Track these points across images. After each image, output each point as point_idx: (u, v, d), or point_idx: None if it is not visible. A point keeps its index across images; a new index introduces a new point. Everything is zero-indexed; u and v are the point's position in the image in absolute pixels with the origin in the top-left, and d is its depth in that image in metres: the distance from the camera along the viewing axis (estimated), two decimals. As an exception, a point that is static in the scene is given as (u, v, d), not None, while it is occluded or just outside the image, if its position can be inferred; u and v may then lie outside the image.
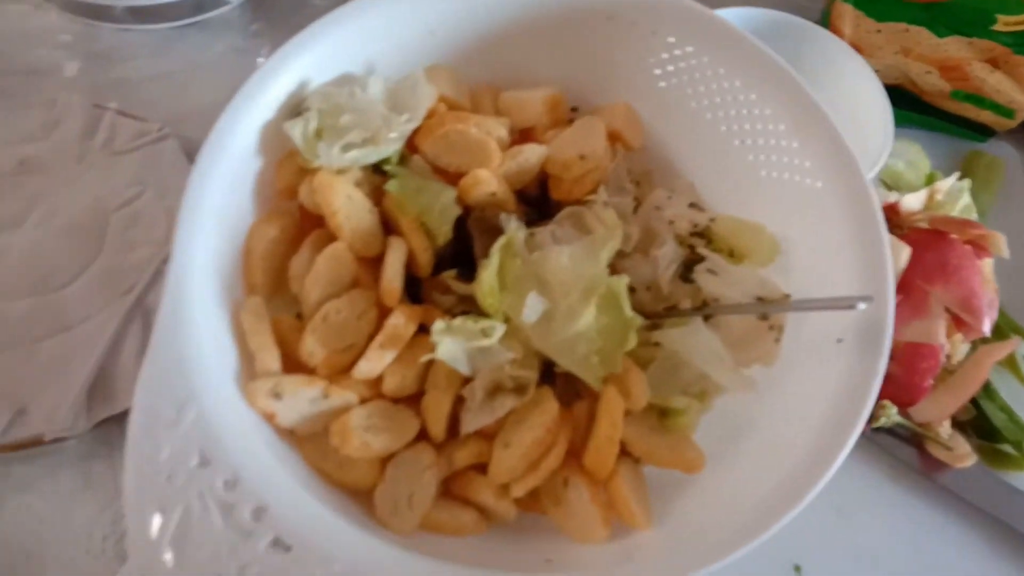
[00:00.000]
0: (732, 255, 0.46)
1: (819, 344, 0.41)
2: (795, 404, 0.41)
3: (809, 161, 0.44)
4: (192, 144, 0.57)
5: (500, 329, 0.40)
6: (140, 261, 0.51)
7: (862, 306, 0.36)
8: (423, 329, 0.42)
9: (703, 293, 0.45)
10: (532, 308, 0.40)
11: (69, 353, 0.48)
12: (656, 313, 0.44)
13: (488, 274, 0.41)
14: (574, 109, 0.52)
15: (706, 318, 0.44)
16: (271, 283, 0.43)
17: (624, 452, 0.42)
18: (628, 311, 0.41)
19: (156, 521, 0.33)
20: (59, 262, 0.50)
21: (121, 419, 0.48)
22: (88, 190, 0.53)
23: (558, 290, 0.41)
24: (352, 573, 0.33)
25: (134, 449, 0.34)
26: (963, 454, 0.52)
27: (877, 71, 0.59)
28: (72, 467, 0.48)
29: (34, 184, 0.53)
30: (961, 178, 0.60)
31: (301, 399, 0.39)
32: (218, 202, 0.40)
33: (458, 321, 0.39)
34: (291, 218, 0.45)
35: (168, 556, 0.32)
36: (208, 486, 0.34)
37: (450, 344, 0.40)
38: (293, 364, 0.41)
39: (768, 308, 0.41)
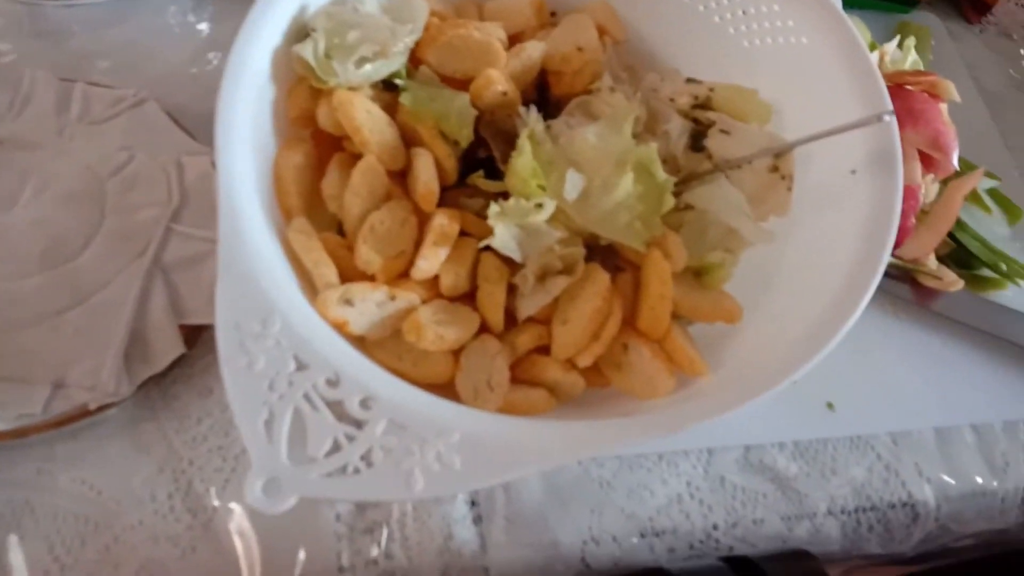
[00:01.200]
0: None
1: (833, 184, 0.45)
2: (821, 243, 0.44)
3: (792, 20, 0.47)
4: (170, 105, 0.56)
5: (551, 204, 0.41)
6: (147, 221, 0.50)
7: (887, 118, 0.40)
8: (461, 233, 0.43)
9: (715, 157, 0.47)
10: (572, 184, 0.42)
11: (95, 320, 0.47)
12: (683, 177, 0.46)
13: (524, 159, 0.42)
14: (552, 13, 0.54)
15: (725, 175, 0.46)
16: (304, 206, 0.44)
17: (671, 313, 0.44)
18: (661, 174, 0.43)
19: (270, 427, 0.33)
20: (63, 233, 0.49)
21: (159, 380, 0.48)
22: (77, 160, 0.51)
23: (590, 167, 0.43)
24: (470, 439, 0.34)
25: (230, 364, 0.34)
26: (952, 280, 0.57)
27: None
28: (119, 435, 0.47)
29: (19, 161, 0.51)
30: (899, 44, 0.65)
31: (369, 303, 0.40)
32: (246, 129, 0.40)
33: (511, 202, 0.41)
34: (310, 144, 0.45)
35: (291, 456, 0.33)
36: (312, 386, 0.34)
37: (503, 230, 0.41)
38: (345, 278, 0.41)
39: (790, 145, 0.44)
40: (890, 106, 0.42)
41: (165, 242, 0.50)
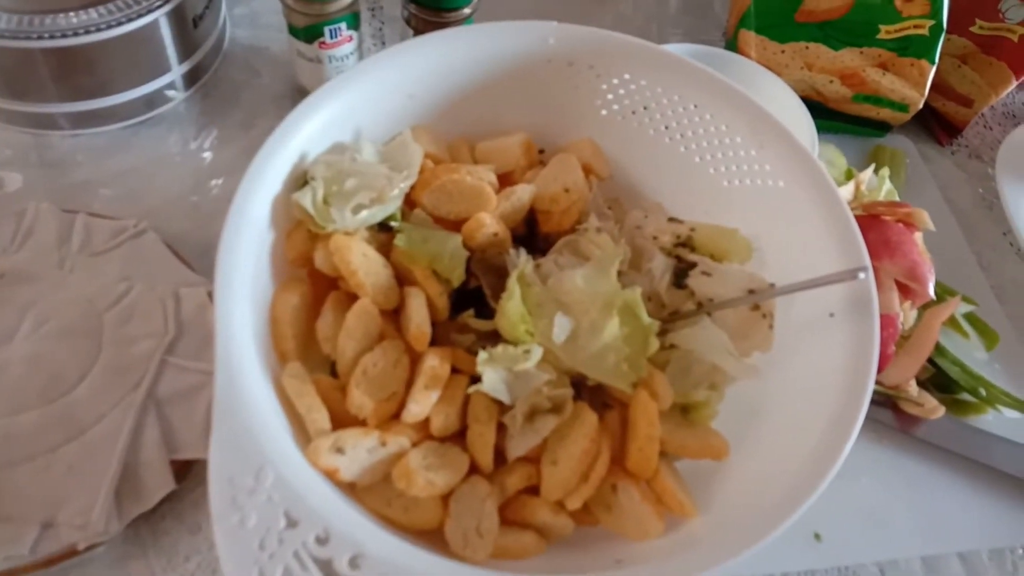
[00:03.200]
0: (713, 259, 0.51)
1: (813, 323, 0.46)
2: (805, 381, 0.45)
3: (769, 164, 0.50)
4: (169, 235, 0.58)
5: (538, 350, 0.42)
6: (142, 354, 0.51)
7: (862, 275, 0.42)
8: (453, 370, 0.44)
9: (697, 295, 0.49)
10: (561, 328, 0.43)
11: (88, 457, 0.47)
12: (665, 318, 0.48)
13: (513, 303, 0.44)
14: (541, 151, 0.56)
15: (708, 315, 0.48)
16: (299, 347, 0.45)
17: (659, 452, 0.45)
18: (646, 317, 0.44)
19: (260, 586, 0.33)
20: (60, 368, 0.50)
21: (149, 517, 0.48)
22: (76, 293, 0.53)
23: (578, 309, 0.44)
24: (458, 597, 0.35)
25: (222, 522, 0.34)
26: (933, 407, 0.58)
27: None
28: (108, 573, 0.47)
29: (19, 295, 0.52)
30: (875, 171, 0.67)
31: (360, 450, 0.40)
32: (247, 275, 0.42)
33: (499, 349, 0.42)
34: (306, 284, 0.46)
35: (279, 618, 0.33)
36: (302, 544, 0.35)
37: (491, 374, 0.42)
38: (336, 421, 0.42)
39: (771, 293, 0.46)
40: (865, 260, 0.44)
41: (160, 375, 0.51)
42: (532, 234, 0.54)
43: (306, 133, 0.46)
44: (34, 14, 0.58)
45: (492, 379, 0.42)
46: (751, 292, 0.48)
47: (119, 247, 0.56)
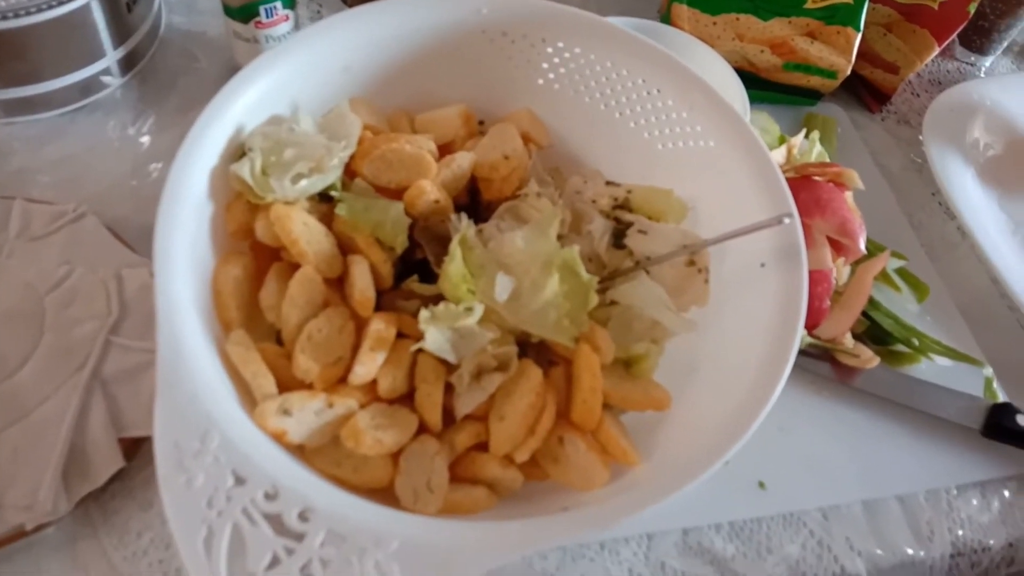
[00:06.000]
0: (650, 219, 0.52)
1: (746, 275, 0.48)
2: (740, 330, 0.47)
3: (699, 125, 0.51)
4: (111, 218, 0.57)
5: (479, 307, 0.43)
6: (86, 336, 0.51)
7: (787, 220, 0.43)
8: (398, 335, 0.45)
9: (635, 254, 0.50)
10: (502, 287, 0.44)
11: (34, 438, 0.47)
12: (604, 276, 0.49)
13: (455, 265, 0.44)
14: (481, 122, 0.57)
15: (645, 272, 0.49)
16: (243, 318, 0.45)
17: (603, 404, 0.46)
18: (584, 274, 0.45)
19: (210, 544, 0.34)
20: (1, 352, 0.49)
21: (99, 496, 0.48)
22: (15, 277, 0.52)
23: (519, 269, 0.46)
24: (409, 545, 0.35)
25: (168, 483, 0.35)
26: (869, 358, 0.61)
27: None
28: (57, 554, 0.46)
29: (-43, 282, 0.51)
30: (806, 136, 0.70)
31: (308, 412, 0.41)
32: (185, 247, 0.42)
33: (440, 307, 0.43)
34: (248, 256, 0.47)
35: (231, 572, 0.33)
36: (250, 500, 0.35)
37: (435, 333, 0.43)
38: (283, 387, 0.43)
39: (703, 244, 0.47)
40: (791, 207, 0.45)
41: (104, 355, 0.50)
42: (475, 202, 0.55)
43: (241, 105, 0.46)
44: (-40, -1, 0.57)
45: (436, 338, 0.43)
46: (686, 247, 0.49)
47: (59, 232, 0.55)
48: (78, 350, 0.50)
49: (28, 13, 0.57)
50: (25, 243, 0.54)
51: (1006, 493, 0.59)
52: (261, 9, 0.63)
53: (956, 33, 0.78)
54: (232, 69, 0.69)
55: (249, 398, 0.41)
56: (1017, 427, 0.59)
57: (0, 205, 0.55)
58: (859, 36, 0.73)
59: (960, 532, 0.57)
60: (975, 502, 0.59)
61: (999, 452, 0.60)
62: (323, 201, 0.48)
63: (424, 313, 0.42)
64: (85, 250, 0.55)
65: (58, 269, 0.53)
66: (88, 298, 0.52)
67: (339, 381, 0.43)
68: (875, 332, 0.64)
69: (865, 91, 0.85)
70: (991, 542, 0.57)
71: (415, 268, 0.50)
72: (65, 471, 0.46)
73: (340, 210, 0.47)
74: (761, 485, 0.55)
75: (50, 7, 0.58)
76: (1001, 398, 0.63)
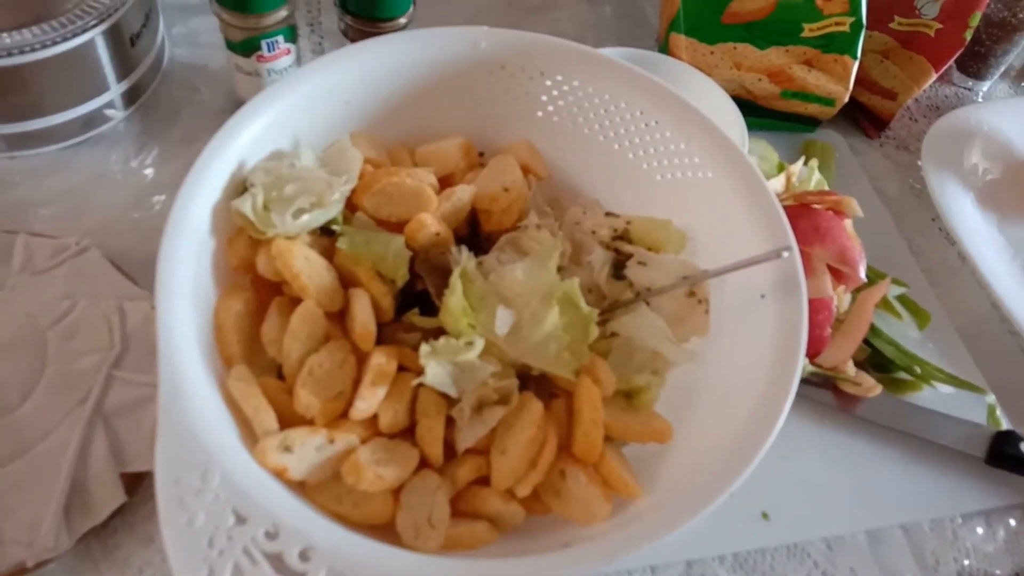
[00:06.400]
0: (650, 250, 0.52)
1: (745, 306, 0.48)
2: (741, 360, 0.47)
3: (697, 156, 0.52)
4: (112, 252, 0.58)
5: (480, 341, 0.43)
6: (88, 369, 0.51)
7: (786, 254, 0.43)
8: (399, 369, 0.45)
9: (635, 285, 0.51)
10: (503, 320, 0.44)
11: (36, 472, 0.47)
12: (606, 308, 0.49)
13: (455, 299, 0.45)
14: (480, 154, 0.58)
15: (646, 304, 0.49)
16: (245, 352, 0.45)
17: (604, 436, 0.46)
18: (584, 306, 0.46)
19: (210, 583, 0.34)
20: (3, 386, 0.49)
21: (100, 531, 0.48)
22: (18, 311, 0.52)
23: (520, 301, 0.46)
24: (409, 584, 0.35)
25: (169, 522, 0.35)
26: (870, 386, 0.60)
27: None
28: (57, 590, 0.46)
29: (-40, 317, 0.51)
30: (805, 163, 0.70)
31: (309, 448, 0.41)
32: (187, 283, 0.42)
33: (441, 341, 0.43)
34: (250, 291, 0.47)
35: (229, 613, 0.33)
36: (251, 540, 0.35)
37: (436, 367, 0.43)
38: (284, 422, 0.43)
39: (702, 278, 0.48)
40: (790, 240, 0.46)
41: (107, 389, 0.51)
42: (475, 234, 0.55)
43: (244, 141, 0.47)
44: (-34, 35, 0.57)
45: (436, 372, 0.43)
46: (686, 278, 0.49)
47: (61, 265, 0.55)
48: (80, 384, 0.50)
49: (33, 49, 0.58)
50: (28, 277, 0.54)
51: (1011, 522, 0.59)
52: (263, 43, 0.64)
53: (953, 59, 0.79)
54: (234, 102, 0.70)
55: (250, 433, 0.41)
56: (1021, 455, 0.58)
57: (3, 239, 0.56)
58: (856, 64, 0.74)
59: (966, 562, 0.57)
60: (980, 531, 0.58)
61: (1003, 480, 0.60)
62: (324, 235, 0.49)
63: (425, 348, 0.43)
64: (88, 283, 0.55)
65: (61, 303, 0.53)
66: (90, 331, 0.52)
67: (340, 416, 0.44)
68: (877, 360, 0.64)
69: (863, 117, 0.85)
70: (997, 572, 0.57)
71: (416, 300, 0.50)
72: (67, 506, 0.46)
73: (342, 244, 0.47)
74: (764, 516, 0.55)
75: (55, 43, 0.58)
76: (1004, 425, 0.63)
